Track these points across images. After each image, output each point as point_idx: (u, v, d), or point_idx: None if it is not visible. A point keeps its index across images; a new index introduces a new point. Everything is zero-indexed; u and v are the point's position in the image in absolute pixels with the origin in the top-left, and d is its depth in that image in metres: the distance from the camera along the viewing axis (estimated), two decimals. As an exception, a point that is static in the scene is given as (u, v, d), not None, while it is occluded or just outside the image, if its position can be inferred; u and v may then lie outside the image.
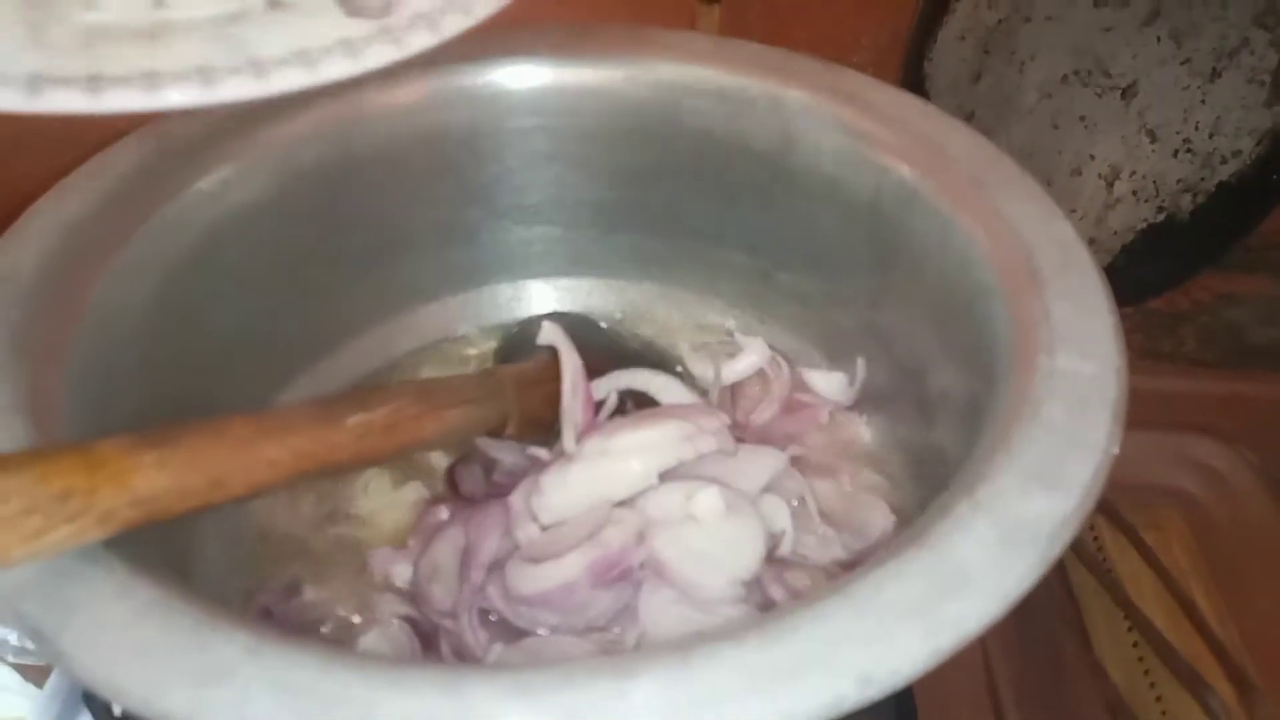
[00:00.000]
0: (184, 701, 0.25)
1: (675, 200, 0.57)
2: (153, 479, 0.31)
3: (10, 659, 0.59)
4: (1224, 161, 0.70)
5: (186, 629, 0.27)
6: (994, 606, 0.28)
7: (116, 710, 0.47)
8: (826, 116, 0.50)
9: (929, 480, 0.47)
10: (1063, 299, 0.39)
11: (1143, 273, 0.75)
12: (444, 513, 0.48)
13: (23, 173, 0.45)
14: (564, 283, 0.63)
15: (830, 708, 0.26)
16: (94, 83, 0.30)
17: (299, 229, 0.51)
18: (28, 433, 0.33)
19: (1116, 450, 0.33)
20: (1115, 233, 0.74)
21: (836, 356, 0.56)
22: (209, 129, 0.47)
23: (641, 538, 0.42)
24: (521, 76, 0.53)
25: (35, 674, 0.58)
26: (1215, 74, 0.67)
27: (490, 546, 0.44)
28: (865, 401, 0.54)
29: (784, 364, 0.56)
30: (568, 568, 0.41)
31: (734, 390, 0.56)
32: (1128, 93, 0.70)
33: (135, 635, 0.27)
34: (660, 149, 0.55)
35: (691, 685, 0.26)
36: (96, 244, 0.41)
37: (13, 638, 0.59)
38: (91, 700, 0.47)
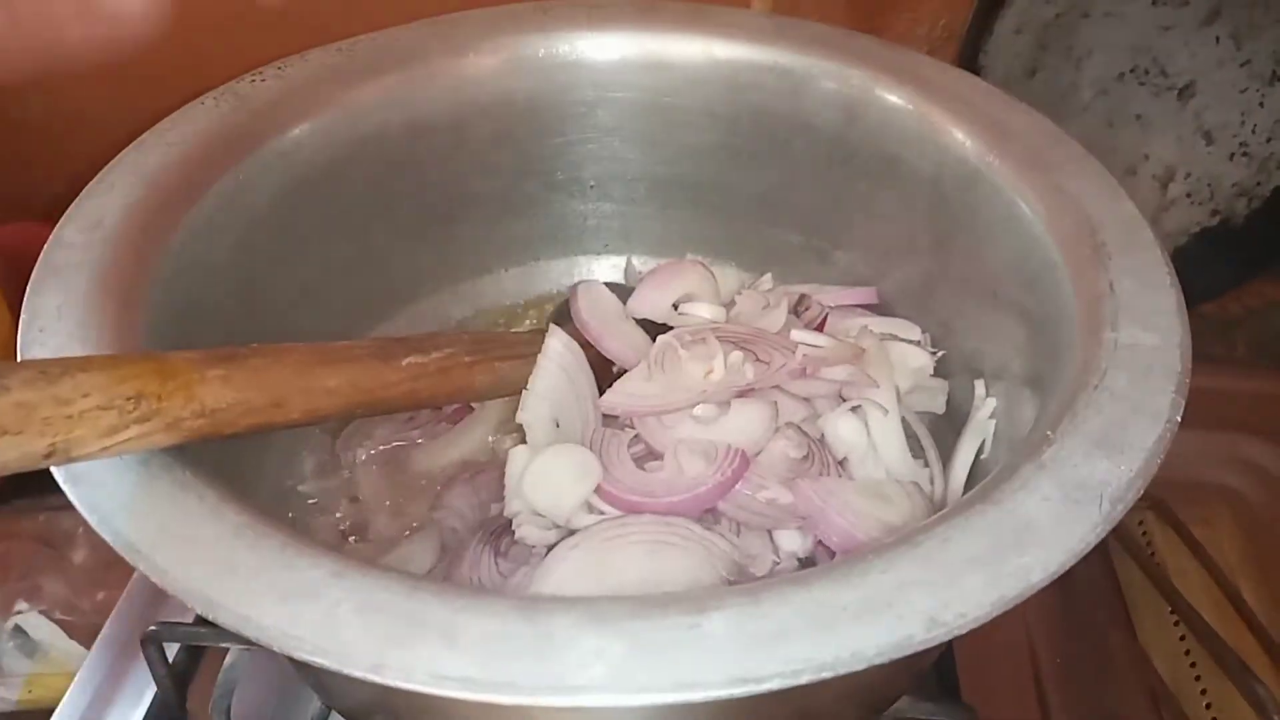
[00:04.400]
0: (275, 616, 0.26)
1: (732, 178, 0.57)
2: (218, 393, 0.32)
3: (58, 615, 0.60)
4: (1280, 167, 0.70)
5: (274, 550, 0.28)
6: (1058, 559, 0.29)
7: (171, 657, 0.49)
8: (888, 95, 0.50)
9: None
10: (1127, 275, 0.39)
11: (1195, 277, 0.73)
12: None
13: (84, 147, 0.46)
14: (617, 260, 0.63)
15: (898, 647, 0.26)
16: None
17: (364, 193, 0.52)
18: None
19: (1179, 419, 0.33)
20: (1169, 235, 0.74)
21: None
22: (282, 92, 0.48)
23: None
24: (584, 49, 0.53)
25: (80, 632, 0.59)
26: (1275, 77, 0.67)
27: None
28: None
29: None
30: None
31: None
32: (1185, 93, 0.69)
33: (226, 554, 0.28)
34: (720, 126, 0.55)
35: (761, 621, 0.27)
36: (175, 197, 0.42)
37: (59, 592, 0.60)
38: (149, 647, 0.48)
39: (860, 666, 0.26)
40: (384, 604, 0.27)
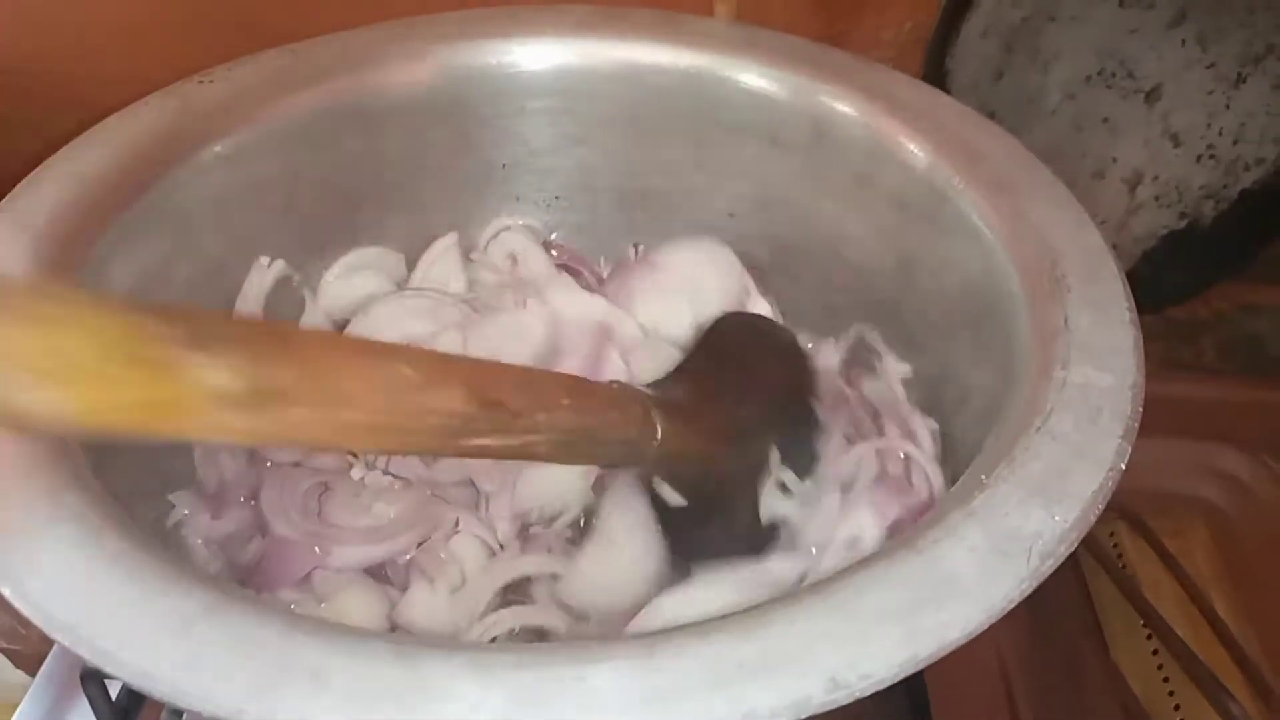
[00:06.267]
0: (137, 652, 0.25)
1: (702, 192, 0.56)
2: None
3: (3, 644, 0.58)
4: (1247, 169, 0.68)
5: (149, 582, 0.27)
6: (978, 617, 0.27)
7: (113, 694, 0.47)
8: (856, 113, 0.49)
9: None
10: (1085, 309, 0.37)
11: (1163, 280, 0.73)
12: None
13: (15, 148, 0.44)
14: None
15: (796, 709, 0.25)
16: None
17: (312, 199, 0.51)
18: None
19: (1124, 466, 0.32)
20: (1136, 239, 0.73)
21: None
22: (229, 95, 0.47)
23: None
24: (548, 56, 0.52)
25: (26, 661, 0.58)
26: (1240, 79, 0.65)
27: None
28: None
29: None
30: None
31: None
32: (1151, 96, 0.68)
33: (99, 583, 0.27)
34: (689, 139, 0.54)
35: (653, 676, 0.25)
36: (107, 199, 0.41)
37: (4, 621, 0.58)
38: (89, 683, 0.46)
39: (754, 727, 0.24)
40: (256, 642, 0.25)
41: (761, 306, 0.55)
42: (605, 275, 0.59)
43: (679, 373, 0.47)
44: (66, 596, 0.26)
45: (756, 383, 0.47)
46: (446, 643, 0.26)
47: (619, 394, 0.40)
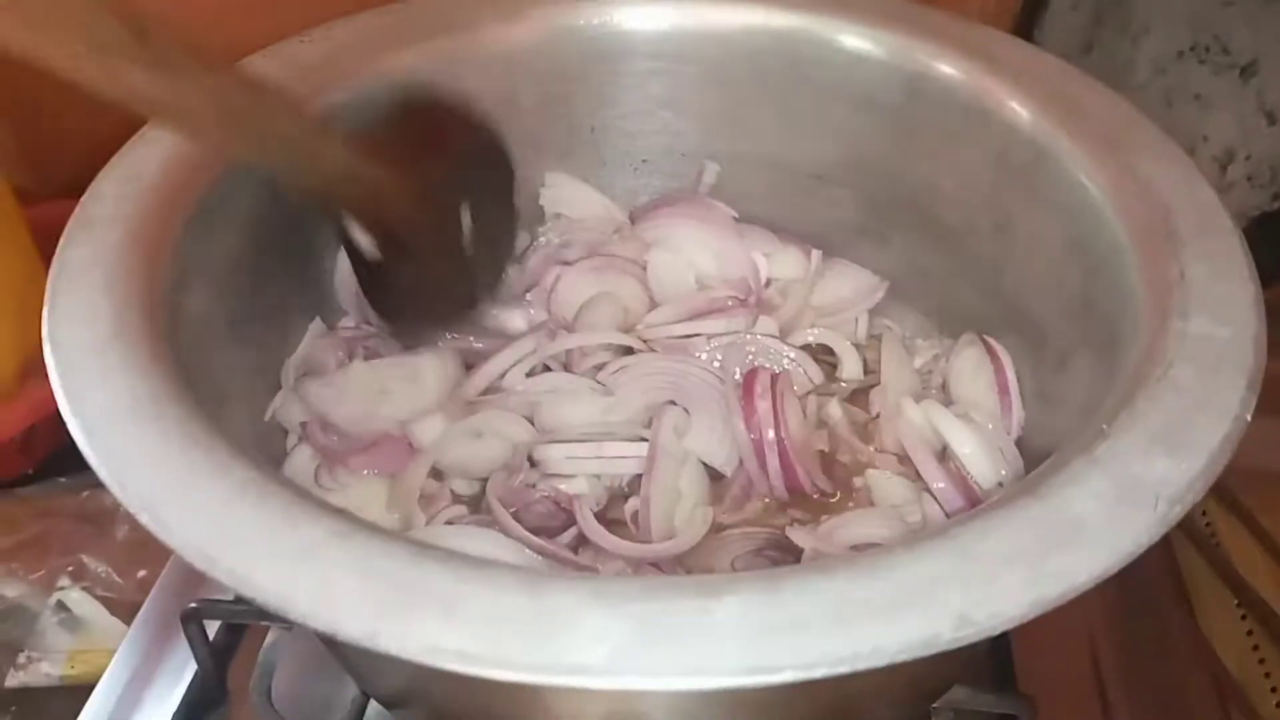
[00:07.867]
0: (271, 575, 0.26)
1: (789, 154, 0.55)
2: None
3: (100, 592, 0.60)
4: (1345, 149, 0.66)
5: (279, 508, 0.27)
6: (1106, 562, 0.26)
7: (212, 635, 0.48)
8: (951, 70, 0.48)
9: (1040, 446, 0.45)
10: (1200, 262, 0.36)
11: (1254, 261, 0.71)
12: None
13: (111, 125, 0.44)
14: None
15: (923, 646, 0.24)
16: None
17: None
18: (133, 315, 0.34)
19: (1249, 417, 0.31)
20: None
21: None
22: (326, 56, 0.48)
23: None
24: (637, 18, 0.52)
25: (121, 608, 0.59)
26: None
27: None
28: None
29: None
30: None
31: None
32: (1246, 71, 0.65)
33: (231, 510, 0.27)
34: (777, 100, 0.53)
35: (777, 610, 0.25)
36: (215, 152, 0.42)
37: (100, 569, 0.61)
38: (189, 624, 0.47)
39: (881, 663, 0.24)
40: (385, 570, 0.26)
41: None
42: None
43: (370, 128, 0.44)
44: (201, 524, 0.27)
45: (447, 146, 0.45)
46: (572, 574, 0.26)
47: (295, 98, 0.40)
